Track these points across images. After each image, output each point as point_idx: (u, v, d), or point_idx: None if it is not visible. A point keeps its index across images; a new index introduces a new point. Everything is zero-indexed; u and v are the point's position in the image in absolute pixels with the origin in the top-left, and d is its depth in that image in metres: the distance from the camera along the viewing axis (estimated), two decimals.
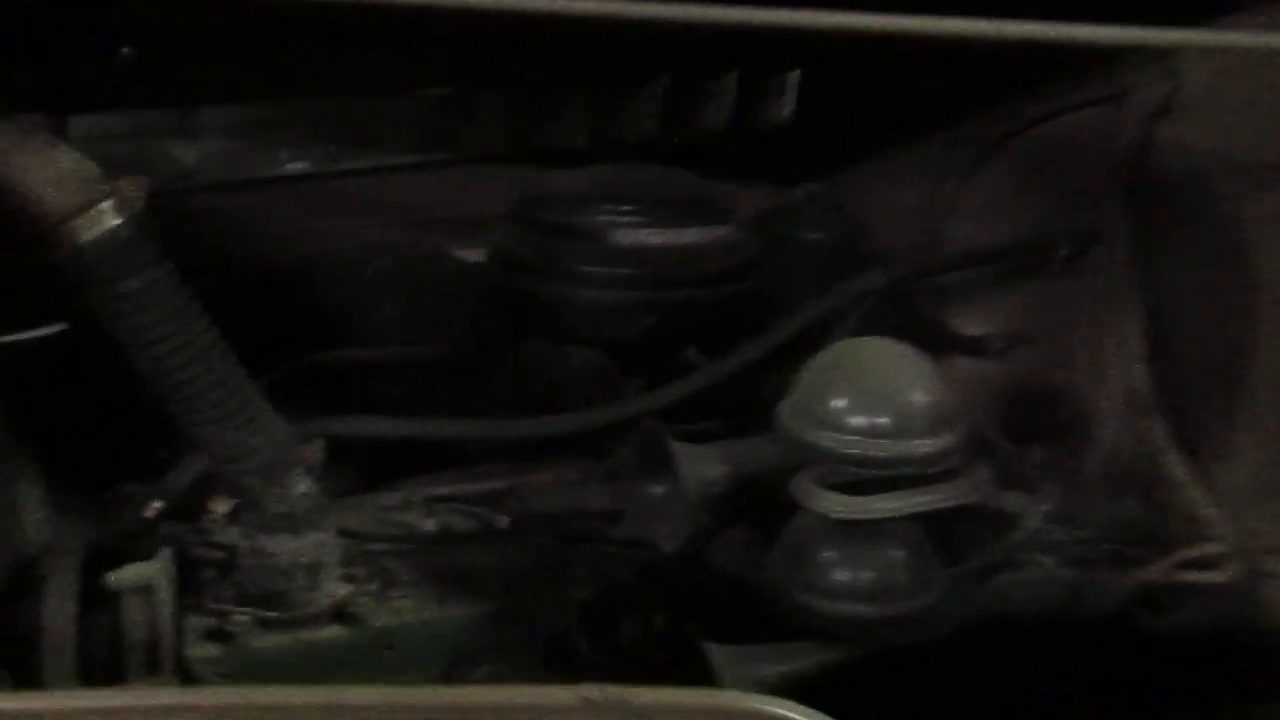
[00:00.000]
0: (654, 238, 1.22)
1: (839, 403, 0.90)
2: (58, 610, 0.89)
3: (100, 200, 0.78)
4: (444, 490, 1.14)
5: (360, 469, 1.27)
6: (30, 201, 0.76)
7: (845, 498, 0.88)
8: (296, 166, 1.23)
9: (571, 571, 1.01)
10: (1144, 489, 1.09)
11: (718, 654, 0.86)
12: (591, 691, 0.51)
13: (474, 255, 1.37)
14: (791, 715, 0.54)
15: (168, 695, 0.53)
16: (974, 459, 0.92)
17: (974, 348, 1.35)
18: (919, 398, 0.89)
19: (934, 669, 0.92)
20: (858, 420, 0.89)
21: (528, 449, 1.22)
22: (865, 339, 0.95)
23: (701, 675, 0.86)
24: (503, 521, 1.10)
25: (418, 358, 1.34)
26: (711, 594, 0.95)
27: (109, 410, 1.05)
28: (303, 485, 0.92)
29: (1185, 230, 1.14)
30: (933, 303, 1.39)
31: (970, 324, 1.39)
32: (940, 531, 0.94)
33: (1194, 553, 1.02)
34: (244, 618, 0.92)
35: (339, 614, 0.94)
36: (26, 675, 0.85)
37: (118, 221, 0.79)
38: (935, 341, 1.37)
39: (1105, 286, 1.22)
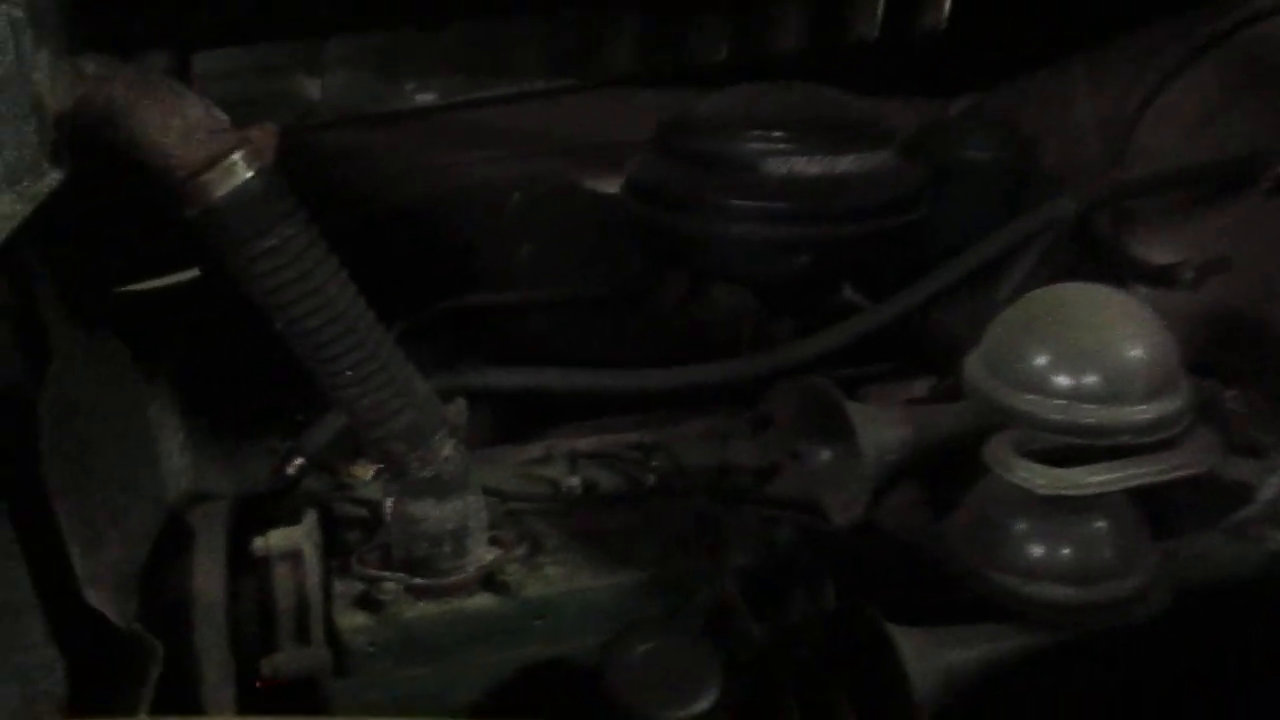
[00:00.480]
0: (809, 167, 1.11)
1: (1041, 360, 0.80)
2: (209, 574, 0.87)
3: (231, 152, 0.72)
4: (587, 443, 1.08)
5: (494, 416, 1.23)
6: (156, 156, 0.71)
7: (1051, 470, 0.78)
8: (424, 98, 1.16)
9: (730, 536, 0.94)
10: None
11: (900, 636, 0.78)
12: None
13: (611, 187, 1.28)
14: None
15: None
16: (1198, 421, 0.80)
17: (1162, 277, 1.21)
18: (1136, 355, 0.78)
19: (1140, 656, 0.83)
20: (1064, 381, 0.79)
21: (666, 400, 1.14)
22: (1069, 284, 0.83)
23: (880, 657, 0.79)
24: (650, 478, 1.03)
25: (553, 299, 1.27)
26: (887, 569, 0.87)
27: (249, 364, 1.01)
28: (448, 448, 0.87)
29: None
30: (1113, 227, 1.25)
31: (1158, 250, 1.24)
32: (1156, 502, 0.83)
33: None
34: (393, 585, 0.88)
35: (488, 581, 0.89)
36: (178, 642, 0.83)
37: (250, 175, 0.72)
38: (1116, 270, 1.25)
39: None
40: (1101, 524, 0.82)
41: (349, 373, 0.80)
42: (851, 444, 0.86)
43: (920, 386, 1.16)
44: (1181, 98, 1.20)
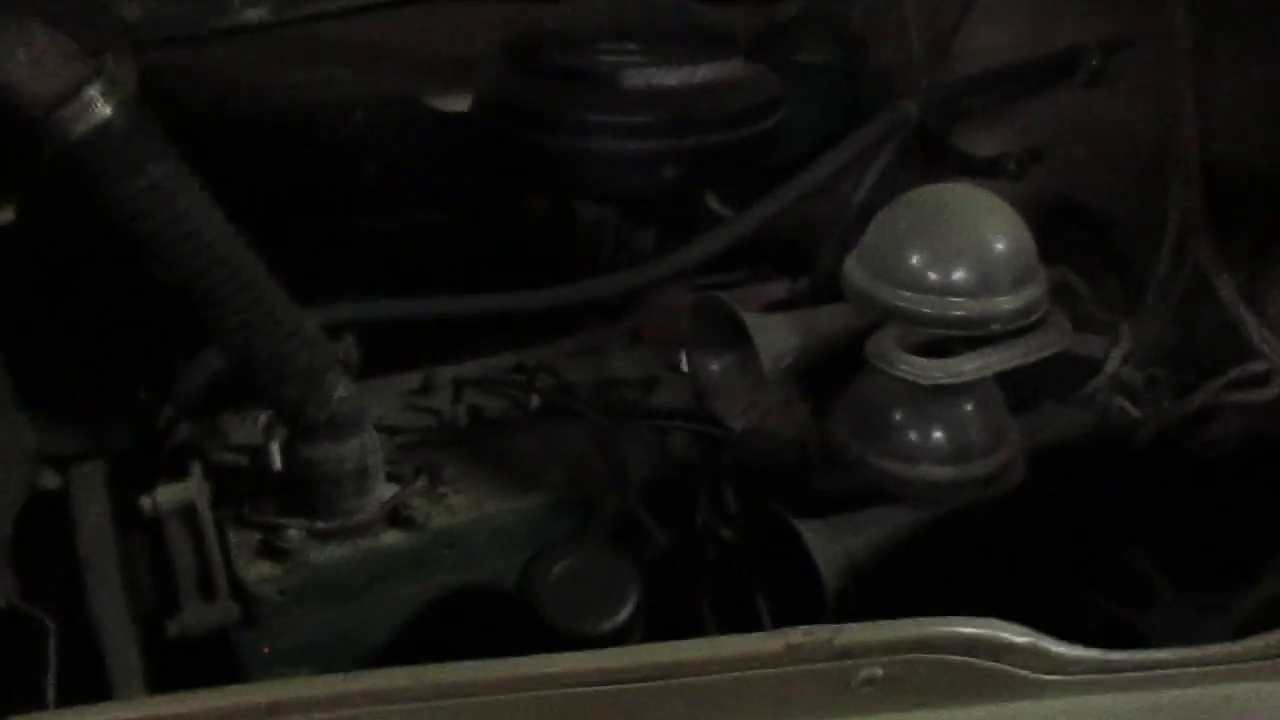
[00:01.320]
0: (668, 77, 1.11)
1: (916, 259, 0.84)
2: (96, 538, 0.82)
3: (84, 84, 0.66)
4: (468, 369, 1.07)
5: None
6: (3, 89, 0.64)
7: (932, 361, 0.83)
8: (253, 14, 1.07)
9: (629, 449, 0.96)
10: (1192, 311, 1.07)
11: (805, 530, 0.83)
12: (795, 635, 0.47)
13: (459, 104, 1.24)
14: (1000, 635, 0.51)
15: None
16: (1051, 304, 0.88)
17: (990, 169, 1.29)
18: (1002, 249, 0.84)
19: (1008, 521, 0.91)
20: (938, 277, 0.84)
21: (537, 320, 1.14)
22: (938, 186, 0.88)
23: (787, 551, 0.84)
24: (535, 400, 1.04)
25: (405, 224, 1.23)
26: (780, 467, 0.92)
27: (118, 314, 0.94)
28: (341, 387, 0.84)
29: (1239, 27, 1.08)
30: (944, 125, 1.33)
31: (987, 145, 1.33)
32: (1015, 380, 0.90)
33: (1240, 372, 1.02)
34: (295, 531, 0.86)
35: (394, 517, 0.89)
36: (71, 613, 0.78)
37: (109, 111, 0.67)
38: (948, 166, 1.32)
39: (1144, 95, 1.16)
40: (972, 407, 0.89)
41: (235, 318, 0.76)
42: (746, 351, 0.89)
43: (776, 289, 1.20)
44: None
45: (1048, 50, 1.22)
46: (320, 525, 0.87)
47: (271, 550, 0.85)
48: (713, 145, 1.11)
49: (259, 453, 0.94)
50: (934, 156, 1.30)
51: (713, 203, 1.17)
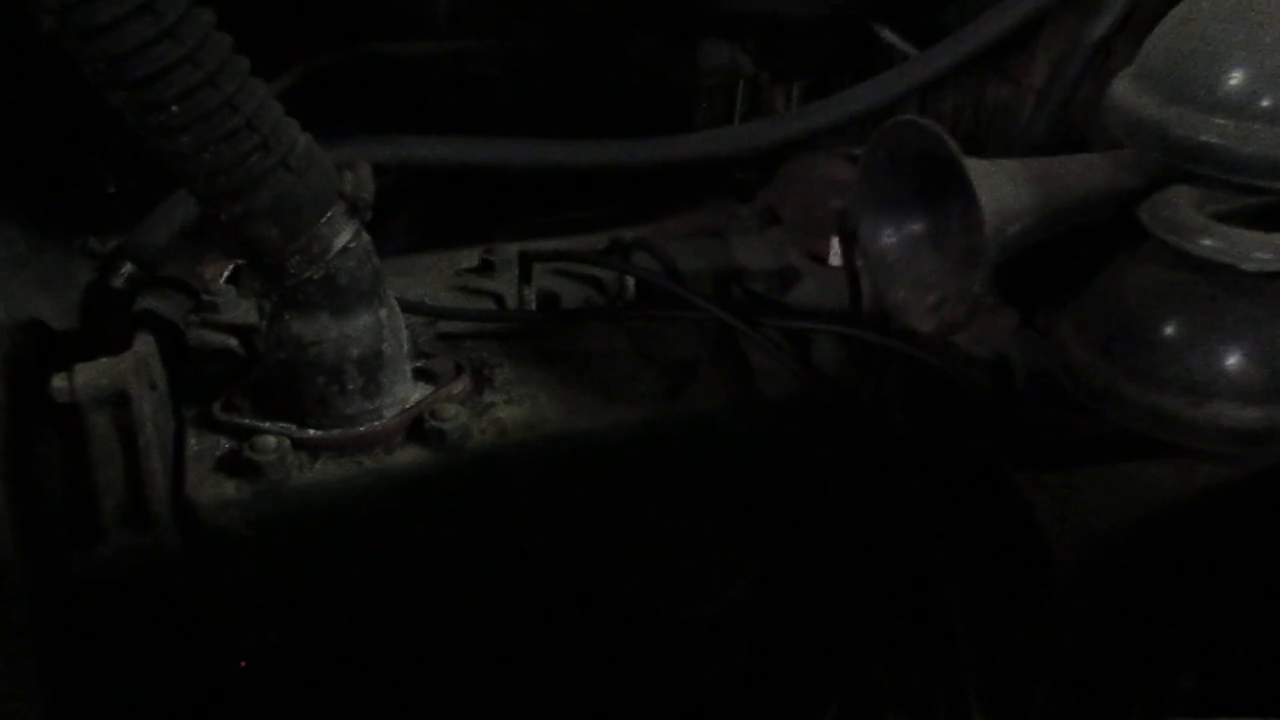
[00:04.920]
0: None
1: (1241, 73, 0.53)
2: None
3: None
4: (543, 246, 0.79)
5: (415, 218, 0.93)
6: None
7: (1260, 235, 0.52)
8: None
9: (754, 359, 0.67)
10: None
11: (1037, 494, 0.53)
12: None
13: None
14: None
15: None
16: None
17: None
18: None
19: None
20: (1271, 100, 0.52)
21: (641, 186, 0.86)
22: None
23: (1012, 521, 0.54)
24: (630, 288, 0.75)
25: (486, 53, 0.94)
26: (985, 397, 0.62)
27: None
28: (345, 234, 0.58)
29: None
30: None
31: None
32: None
33: None
34: (274, 439, 0.60)
35: (416, 429, 0.62)
36: None
37: None
38: None
39: None
40: None
41: (174, 107, 0.50)
42: (944, 216, 0.59)
43: None
44: None
45: None
46: (311, 433, 0.61)
47: (240, 463, 0.60)
48: None
49: (252, 333, 0.68)
50: None
51: (889, 37, 0.86)
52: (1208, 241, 0.53)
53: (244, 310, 0.72)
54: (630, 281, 0.76)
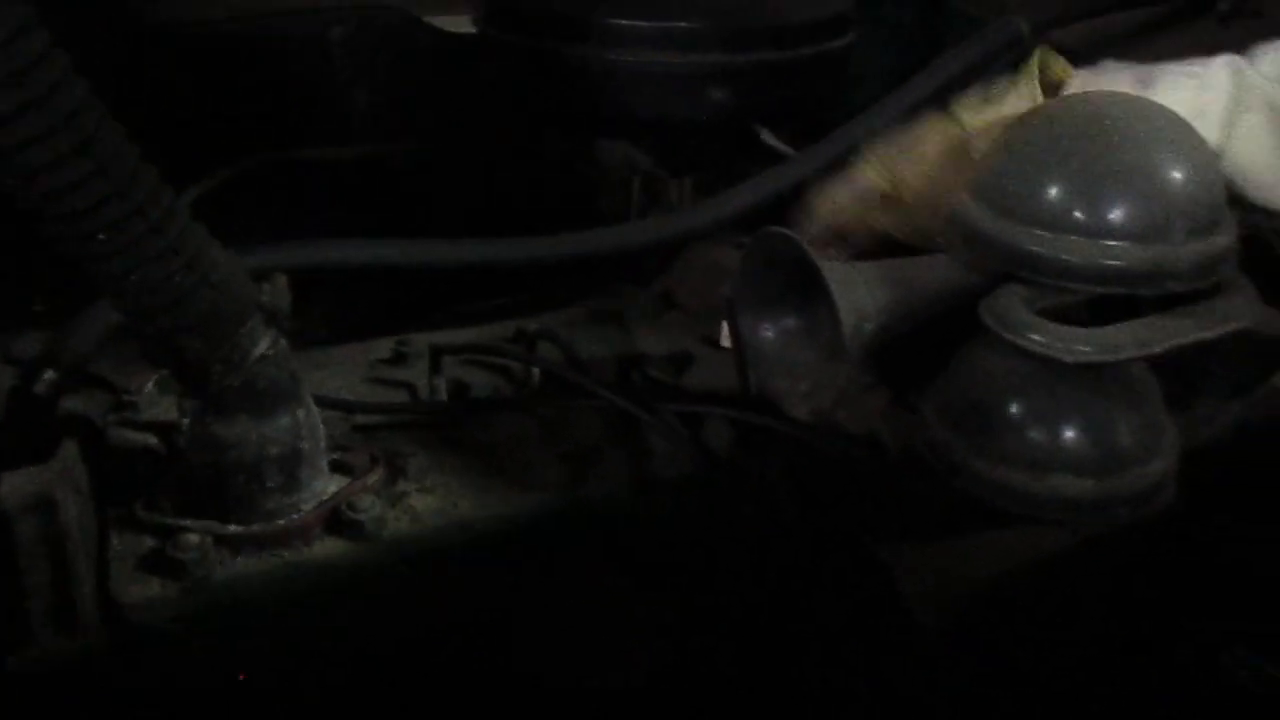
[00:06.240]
0: None
1: (1058, 189, 0.61)
2: None
3: None
4: (452, 336, 0.84)
5: (329, 312, 0.97)
6: None
7: (1079, 331, 0.60)
8: None
9: (653, 442, 0.73)
10: None
11: (894, 558, 0.59)
12: None
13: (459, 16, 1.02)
14: None
15: None
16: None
17: None
18: (1182, 179, 0.60)
19: (1161, 553, 0.68)
20: (1088, 215, 0.61)
21: (543, 278, 0.92)
22: (1090, 93, 0.65)
23: (870, 585, 0.60)
24: (536, 376, 0.81)
25: (395, 156, 1.00)
26: (857, 473, 0.68)
27: None
28: (264, 343, 0.62)
29: None
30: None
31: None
32: (1176, 365, 0.67)
33: None
34: (196, 536, 0.63)
35: (334, 521, 0.66)
36: None
37: None
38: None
39: None
40: (1123, 399, 0.65)
41: (102, 236, 0.54)
42: (814, 313, 0.66)
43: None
44: None
45: None
46: (232, 529, 0.64)
47: (163, 561, 0.63)
48: (774, 64, 0.87)
49: (173, 433, 0.72)
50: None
51: (768, 138, 0.94)
52: (1036, 336, 0.60)
53: (164, 407, 0.75)
54: (536, 371, 0.81)
